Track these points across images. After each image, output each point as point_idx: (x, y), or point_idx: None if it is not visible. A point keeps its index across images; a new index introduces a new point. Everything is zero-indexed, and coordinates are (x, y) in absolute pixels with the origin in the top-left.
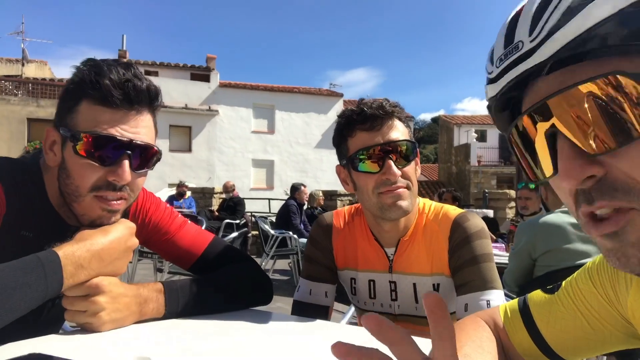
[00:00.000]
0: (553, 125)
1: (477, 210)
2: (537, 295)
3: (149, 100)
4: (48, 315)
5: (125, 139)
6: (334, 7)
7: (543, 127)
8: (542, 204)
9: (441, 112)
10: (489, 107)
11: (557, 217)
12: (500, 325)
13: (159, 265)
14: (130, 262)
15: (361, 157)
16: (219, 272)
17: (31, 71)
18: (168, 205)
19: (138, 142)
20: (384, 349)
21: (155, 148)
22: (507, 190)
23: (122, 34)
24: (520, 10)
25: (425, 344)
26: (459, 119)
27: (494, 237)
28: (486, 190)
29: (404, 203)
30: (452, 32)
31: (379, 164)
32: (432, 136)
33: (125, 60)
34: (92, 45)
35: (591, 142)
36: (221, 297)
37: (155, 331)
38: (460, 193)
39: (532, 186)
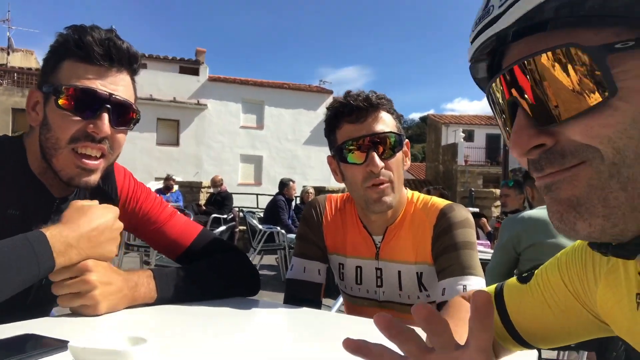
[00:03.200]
0: (513, 95)
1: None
2: (512, 282)
3: (129, 60)
4: (36, 297)
5: (105, 92)
6: (327, 4)
7: (508, 94)
8: (528, 203)
9: (431, 112)
10: (470, 68)
11: (541, 212)
12: None
13: (146, 258)
14: (117, 256)
15: (347, 148)
16: (208, 261)
17: (17, 60)
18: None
19: (117, 96)
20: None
21: (134, 107)
22: (493, 189)
23: (111, 25)
24: None
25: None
26: (447, 119)
27: (487, 226)
28: (472, 189)
29: (387, 198)
30: (445, 31)
31: (364, 155)
32: (421, 135)
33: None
34: None
35: (542, 113)
36: (209, 286)
37: (148, 315)
38: (447, 191)
39: (510, 184)
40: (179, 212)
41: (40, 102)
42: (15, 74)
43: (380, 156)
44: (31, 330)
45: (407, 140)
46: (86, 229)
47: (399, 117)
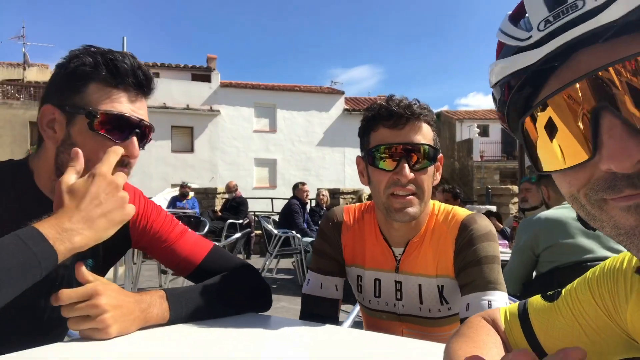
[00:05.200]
0: (601, 100)
1: (481, 206)
2: (536, 301)
3: (150, 87)
4: (49, 318)
5: (136, 118)
6: (335, 4)
7: (586, 102)
8: (544, 202)
9: (445, 108)
10: (500, 88)
11: (558, 212)
12: (501, 328)
13: (163, 268)
14: (134, 264)
15: (378, 152)
16: (219, 278)
17: (33, 75)
18: (169, 211)
19: (145, 122)
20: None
21: (153, 129)
22: (510, 186)
23: (123, 36)
24: None
25: (428, 347)
26: (461, 114)
27: (499, 225)
28: (489, 187)
29: (411, 210)
30: (457, 26)
31: (394, 163)
32: None
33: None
34: None
35: None
36: (222, 303)
37: (161, 337)
38: (461, 189)
39: (533, 179)
40: (189, 230)
41: (60, 121)
42: (32, 89)
43: (411, 167)
44: (40, 356)
45: (441, 155)
46: (77, 210)
47: (438, 131)
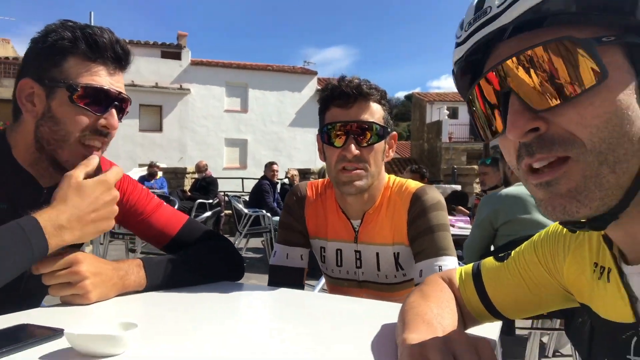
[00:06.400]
0: (508, 85)
1: (446, 185)
2: (489, 262)
3: (127, 61)
4: (27, 288)
5: (115, 91)
6: None
7: (499, 86)
8: (504, 180)
9: (417, 90)
10: (453, 72)
11: (517, 189)
12: (455, 285)
13: (131, 246)
14: (101, 244)
15: (329, 130)
16: (194, 249)
17: None
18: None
19: (123, 95)
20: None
21: (130, 102)
22: (475, 166)
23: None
24: None
25: (389, 308)
26: (431, 97)
27: (466, 211)
28: (455, 167)
29: (358, 183)
30: (431, 9)
31: (343, 140)
32: (406, 114)
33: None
34: None
35: (537, 99)
36: (196, 272)
37: (138, 302)
38: (426, 170)
39: (487, 161)
40: (165, 203)
41: (39, 94)
42: None
43: (358, 143)
44: (25, 321)
45: (394, 133)
46: (78, 209)
47: (390, 110)
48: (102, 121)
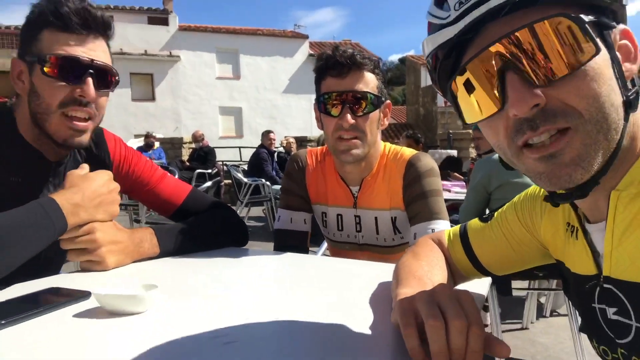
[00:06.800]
0: (506, 62)
1: (442, 150)
2: (474, 223)
3: (104, 26)
4: (46, 256)
5: (87, 58)
6: None
7: (495, 64)
8: None
9: (411, 53)
10: (431, 59)
11: None
12: (445, 245)
13: (135, 216)
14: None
15: (326, 100)
16: (200, 217)
17: None
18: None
19: (98, 62)
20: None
21: (114, 70)
22: (470, 131)
23: None
24: None
25: (387, 268)
26: (424, 55)
27: (460, 177)
28: (450, 132)
29: (355, 151)
30: None
31: (339, 110)
32: (400, 77)
33: None
34: None
35: (537, 75)
36: (204, 238)
37: (153, 267)
38: (421, 135)
39: None
40: (169, 174)
41: (24, 71)
42: None
43: (354, 113)
44: (53, 285)
45: (389, 101)
46: (89, 191)
47: (384, 79)
48: (77, 91)
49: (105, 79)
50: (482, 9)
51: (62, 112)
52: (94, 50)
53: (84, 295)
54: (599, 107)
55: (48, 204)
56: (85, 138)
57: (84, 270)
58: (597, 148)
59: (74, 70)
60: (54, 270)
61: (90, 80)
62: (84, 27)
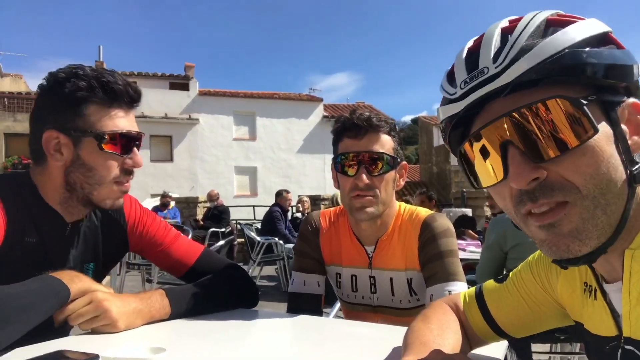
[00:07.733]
0: (507, 137)
1: (457, 209)
2: (489, 284)
3: (140, 101)
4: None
5: (136, 132)
6: (315, 13)
7: (498, 138)
8: None
9: (424, 113)
10: (444, 124)
11: None
12: (461, 309)
13: (147, 276)
14: (118, 275)
15: (342, 160)
16: (212, 278)
17: (6, 85)
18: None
19: (141, 133)
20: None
21: (144, 135)
22: (484, 189)
23: (99, 44)
24: (477, 44)
25: (401, 332)
26: (438, 120)
27: (475, 235)
28: (464, 190)
29: (369, 209)
30: (436, 33)
31: (355, 169)
32: (413, 137)
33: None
34: (68, 57)
35: (536, 151)
36: (215, 300)
37: (162, 329)
38: (434, 193)
39: None
40: (182, 234)
41: (66, 144)
42: (6, 99)
43: (370, 173)
44: (58, 348)
45: (404, 162)
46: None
47: (400, 141)
48: (128, 161)
49: (139, 145)
50: (484, 89)
51: (115, 181)
52: (134, 121)
53: (91, 358)
54: (597, 184)
55: (51, 280)
56: (123, 199)
57: (93, 332)
58: (596, 223)
59: (127, 144)
60: (63, 332)
61: (136, 150)
62: (131, 102)
